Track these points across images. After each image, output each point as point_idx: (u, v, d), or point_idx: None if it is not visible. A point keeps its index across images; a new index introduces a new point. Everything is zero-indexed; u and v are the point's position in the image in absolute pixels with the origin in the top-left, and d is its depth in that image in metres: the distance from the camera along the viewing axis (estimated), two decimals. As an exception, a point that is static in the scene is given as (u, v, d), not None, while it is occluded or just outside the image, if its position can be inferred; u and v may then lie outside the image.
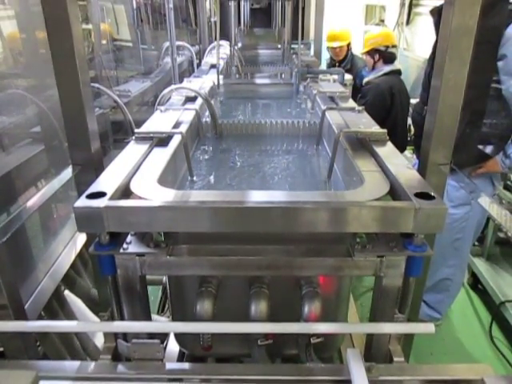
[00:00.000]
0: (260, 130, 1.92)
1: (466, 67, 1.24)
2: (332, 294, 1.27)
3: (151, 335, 1.10)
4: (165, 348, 1.34)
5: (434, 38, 2.14)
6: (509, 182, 3.20)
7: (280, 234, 1.10)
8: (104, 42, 2.83)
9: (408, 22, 6.51)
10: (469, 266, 3.21)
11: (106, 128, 2.35)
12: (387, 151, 1.34)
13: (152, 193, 1.04)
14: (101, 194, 1.01)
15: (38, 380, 0.85)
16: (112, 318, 1.15)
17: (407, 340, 1.56)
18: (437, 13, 2.27)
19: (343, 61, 4.58)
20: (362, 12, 9.03)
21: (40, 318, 1.47)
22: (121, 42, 3.29)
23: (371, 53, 3.64)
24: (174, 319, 1.38)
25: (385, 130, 1.44)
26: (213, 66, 2.93)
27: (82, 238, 1.78)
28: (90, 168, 1.38)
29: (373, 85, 3.50)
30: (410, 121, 3.76)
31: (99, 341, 1.79)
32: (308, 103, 2.32)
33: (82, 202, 0.98)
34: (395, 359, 1.13)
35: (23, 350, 1.22)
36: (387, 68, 3.60)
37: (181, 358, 1.52)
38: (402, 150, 3.51)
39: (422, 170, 1.43)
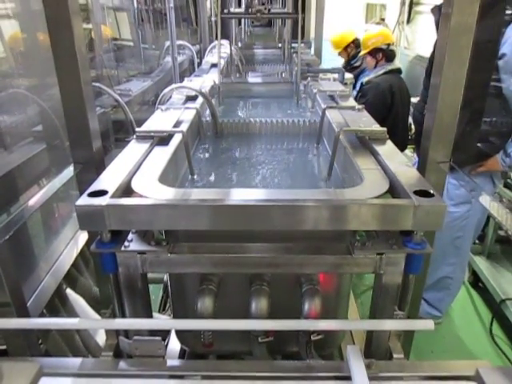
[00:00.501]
0: (260, 129, 1.93)
1: (465, 65, 1.25)
2: (332, 291, 1.28)
3: (153, 332, 1.11)
4: (166, 345, 1.34)
5: (434, 36, 2.15)
6: (509, 181, 3.20)
7: (280, 232, 1.10)
8: (105, 41, 2.84)
9: (409, 21, 6.51)
10: (469, 264, 3.21)
11: (108, 127, 2.36)
12: (387, 149, 1.34)
13: (153, 191, 1.05)
14: (102, 193, 1.01)
15: (42, 372, 0.86)
16: (114, 316, 1.16)
17: (407, 337, 1.57)
18: (438, 11, 2.27)
19: (353, 58, 4.62)
20: (363, 11, 9.03)
21: (42, 315, 1.48)
22: (122, 41, 3.30)
23: (373, 53, 3.65)
24: (175, 317, 1.38)
25: (384, 129, 1.44)
26: (213, 65, 2.94)
27: (83, 237, 1.79)
28: (92, 167, 1.39)
29: (373, 84, 3.51)
30: (410, 119, 3.77)
31: (101, 339, 1.80)
32: (308, 102, 2.32)
33: (84, 200, 0.99)
34: (395, 356, 1.13)
35: (25, 347, 1.22)
36: (388, 67, 3.61)
37: (182, 355, 1.53)
38: (402, 148, 3.52)
39: (421, 168, 1.44)
